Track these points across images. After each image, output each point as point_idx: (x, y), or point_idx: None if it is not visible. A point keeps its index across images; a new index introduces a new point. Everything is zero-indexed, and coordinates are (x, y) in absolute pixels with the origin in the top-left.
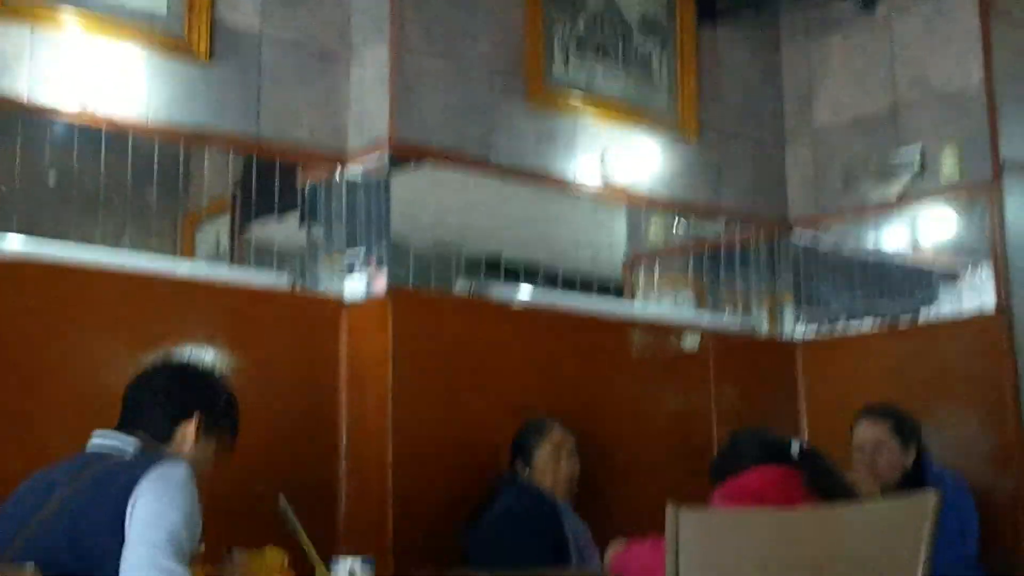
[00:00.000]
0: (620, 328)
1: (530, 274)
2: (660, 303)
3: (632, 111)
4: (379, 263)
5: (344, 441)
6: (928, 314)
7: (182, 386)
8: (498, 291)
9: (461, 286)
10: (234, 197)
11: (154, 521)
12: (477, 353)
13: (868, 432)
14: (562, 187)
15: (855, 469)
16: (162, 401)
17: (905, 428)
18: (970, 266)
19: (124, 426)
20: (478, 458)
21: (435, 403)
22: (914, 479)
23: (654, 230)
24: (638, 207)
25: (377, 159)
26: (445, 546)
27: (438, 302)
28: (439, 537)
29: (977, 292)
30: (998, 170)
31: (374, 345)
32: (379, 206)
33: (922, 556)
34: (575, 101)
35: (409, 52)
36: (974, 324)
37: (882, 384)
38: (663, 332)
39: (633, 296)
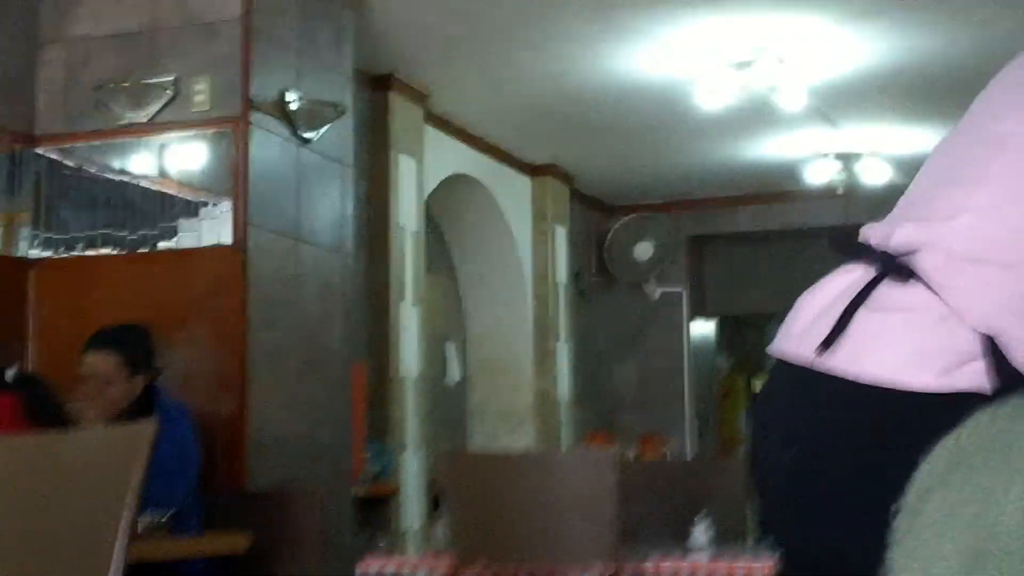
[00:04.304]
0: None
1: None
2: None
3: None
4: None
5: None
6: (171, 243)
7: None
8: None
9: None
10: None
11: None
12: None
13: (94, 363)
14: None
15: (80, 398)
16: None
17: (134, 358)
18: (214, 198)
19: None
20: None
21: None
22: (142, 408)
23: None
24: None
25: None
26: None
27: None
28: None
29: (218, 224)
30: (247, 106)
31: None
32: None
33: (132, 484)
34: None
35: None
36: (213, 255)
37: (119, 310)
38: None
39: None
